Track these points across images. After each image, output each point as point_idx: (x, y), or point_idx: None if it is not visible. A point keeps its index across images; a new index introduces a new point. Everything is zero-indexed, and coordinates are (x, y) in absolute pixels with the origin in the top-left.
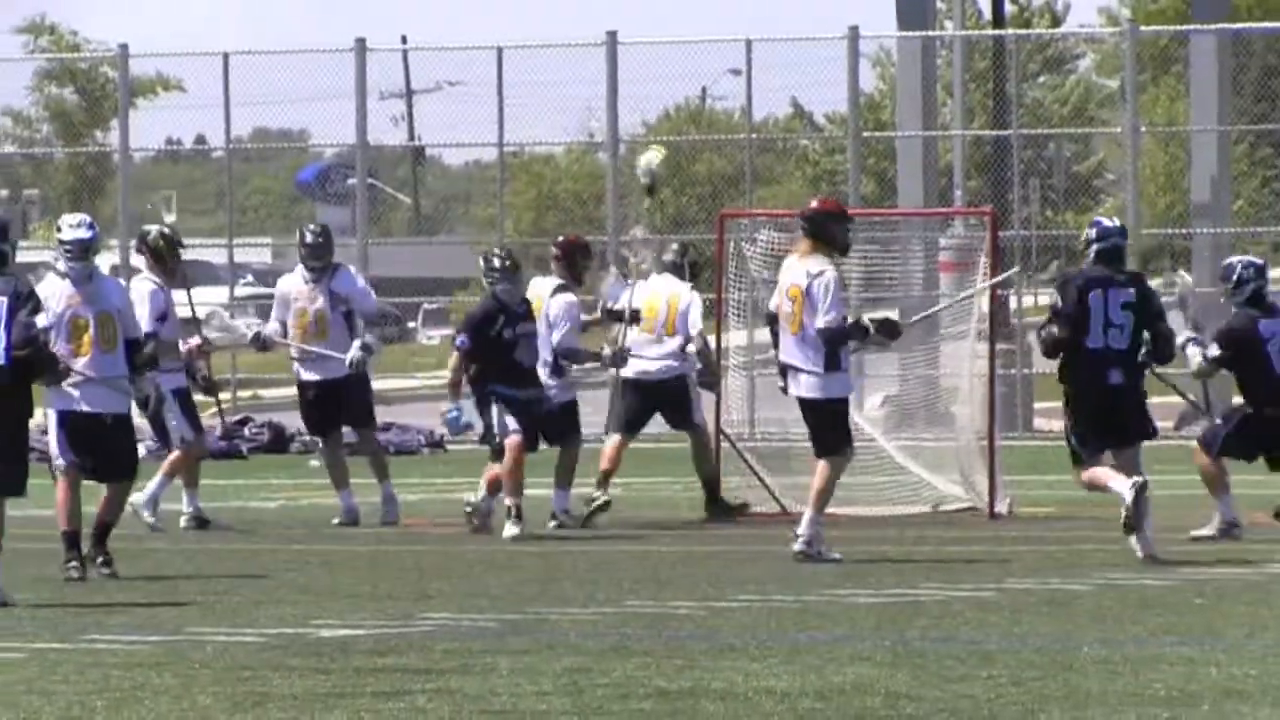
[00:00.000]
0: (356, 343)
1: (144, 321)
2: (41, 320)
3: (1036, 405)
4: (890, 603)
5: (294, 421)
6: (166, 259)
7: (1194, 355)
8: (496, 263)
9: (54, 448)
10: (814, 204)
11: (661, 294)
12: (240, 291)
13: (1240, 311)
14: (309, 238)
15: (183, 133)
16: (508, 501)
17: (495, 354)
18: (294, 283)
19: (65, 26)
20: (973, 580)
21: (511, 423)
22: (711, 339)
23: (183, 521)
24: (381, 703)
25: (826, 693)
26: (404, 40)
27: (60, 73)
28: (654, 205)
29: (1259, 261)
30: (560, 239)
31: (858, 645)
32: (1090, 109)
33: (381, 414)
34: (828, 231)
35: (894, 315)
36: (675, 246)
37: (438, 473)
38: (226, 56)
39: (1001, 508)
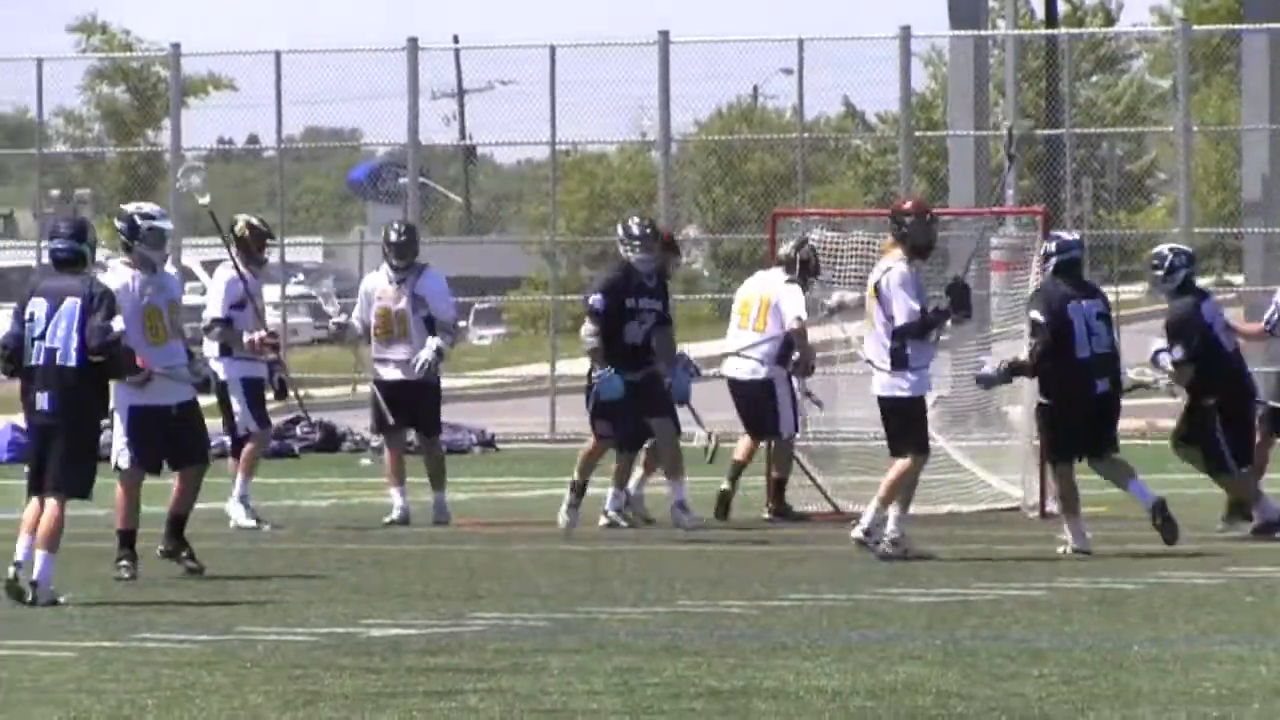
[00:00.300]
0: (432, 343)
1: (218, 308)
2: (118, 324)
3: None
4: (941, 602)
5: (344, 420)
6: (250, 248)
7: (1166, 361)
8: (635, 230)
9: (117, 445)
10: (900, 203)
11: (756, 289)
12: (291, 290)
13: (1178, 301)
14: (394, 236)
15: (235, 132)
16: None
17: (618, 322)
18: (378, 281)
19: (117, 26)
20: (1023, 579)
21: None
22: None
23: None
24: (433, 702)
25: (878, 691)
26: (456, 39)
27: (112, 72)
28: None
29: (1189, 249)
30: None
31: (909, 644)
32: (1142, 108)
33: None
34: (903, 229)
35: (958, 276)
36: (793, 240)
37: (489, 472)
38: (279, 55)
39: (1053, 507)
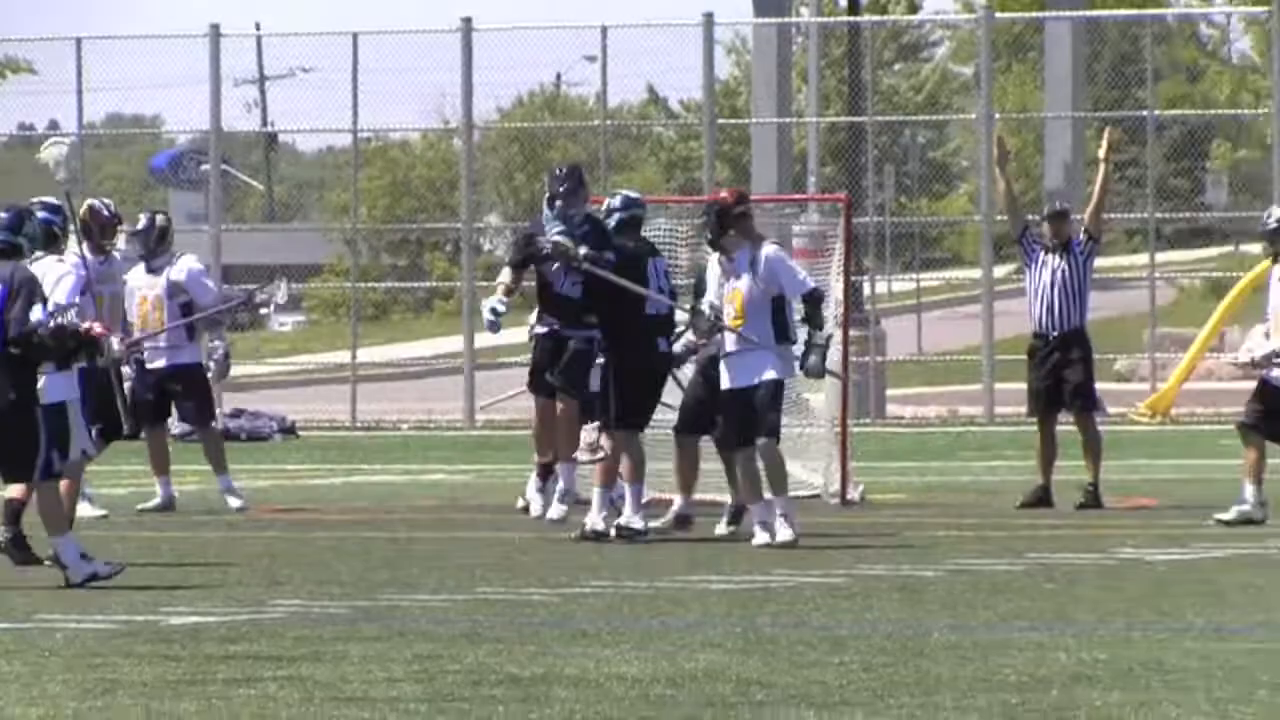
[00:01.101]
0: (218, 347)
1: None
2: (36, 313)
3: (890, 392)
4: (742, 589)
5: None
6: (93, 232)
7: None
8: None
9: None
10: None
11: None
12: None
13: None
14: (140, 224)
15: (36, 118)
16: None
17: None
18: (138, 272)
19: None
20: (824, 566)
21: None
22: None
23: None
24: (232, 690)
25: (678, 679)
26: (258, 26)
27: None
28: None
29: None
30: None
31: (709, 631)
32: (945, 96)
33: (234, 400)
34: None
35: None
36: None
37: (289, 459)
38: (79, 41)
39: (854, 494)
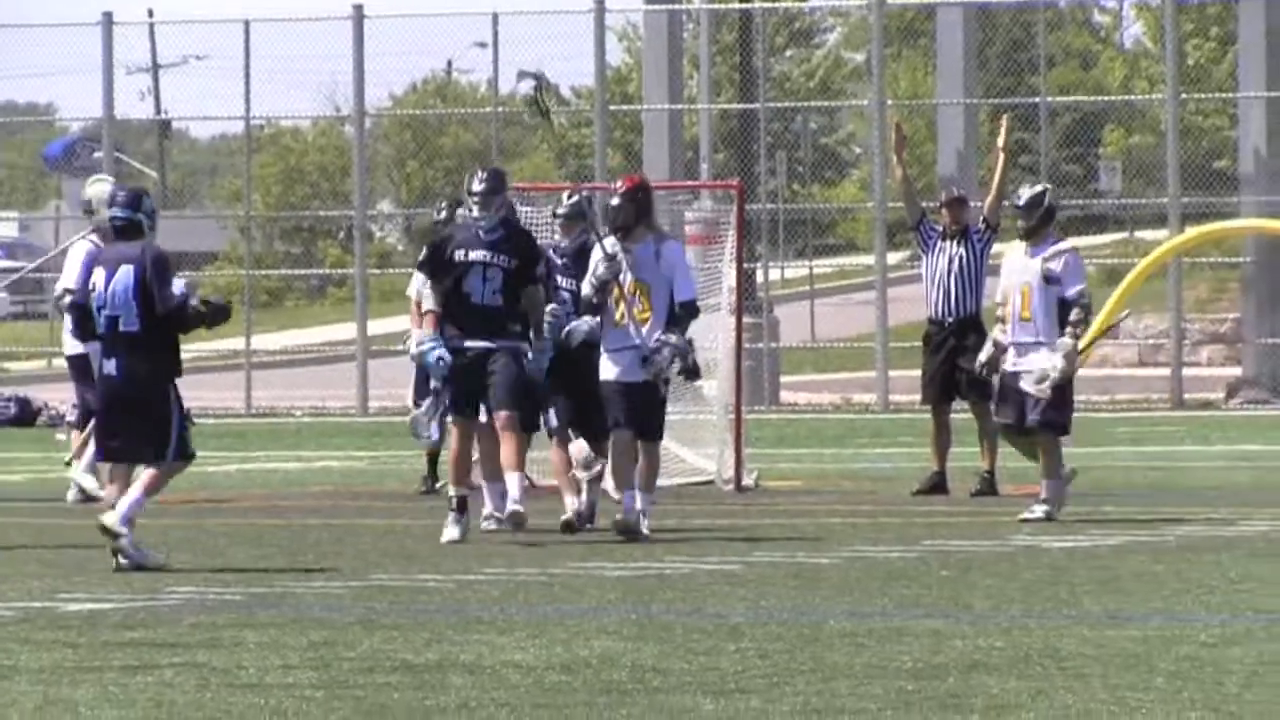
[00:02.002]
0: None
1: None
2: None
3: (784, 379)
4: (636, 576)
5: (41, 395)
6: None
7: None
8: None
9: None
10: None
11: None
12: None
13: None
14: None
15: None
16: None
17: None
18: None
19: None
20: (718, 554)
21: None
22: None
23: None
24: (129, 676)
25: (573, 666)
26: (150, 14)
27: None
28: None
29: None
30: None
31: (604, 618)
32: (837, 82)
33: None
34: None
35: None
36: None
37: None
38: None
39: (748, 481)
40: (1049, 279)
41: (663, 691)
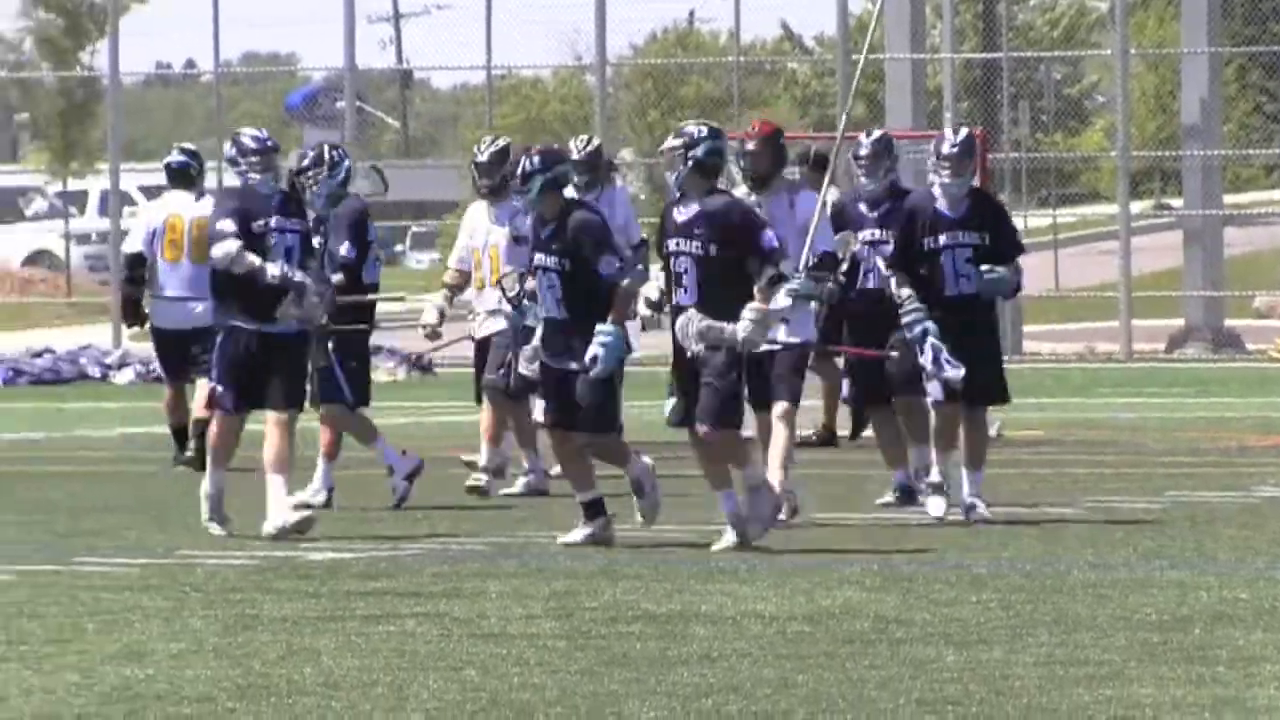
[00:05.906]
0: None
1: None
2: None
3: (1026, 328)
4: (878, 527)
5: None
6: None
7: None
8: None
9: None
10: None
11: None
12: None
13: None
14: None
15: (172, 56)
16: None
17: None
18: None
19: None
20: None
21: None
22: None
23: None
24: (370, 626)
25: (815, 616)
26: None
27: None
28: None
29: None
30: None
31: (846, 569)
32: (1080, 32)
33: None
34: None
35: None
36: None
37: (423, 397)
38: None
39: (991, 431)
40: None
41: (905, 642)
